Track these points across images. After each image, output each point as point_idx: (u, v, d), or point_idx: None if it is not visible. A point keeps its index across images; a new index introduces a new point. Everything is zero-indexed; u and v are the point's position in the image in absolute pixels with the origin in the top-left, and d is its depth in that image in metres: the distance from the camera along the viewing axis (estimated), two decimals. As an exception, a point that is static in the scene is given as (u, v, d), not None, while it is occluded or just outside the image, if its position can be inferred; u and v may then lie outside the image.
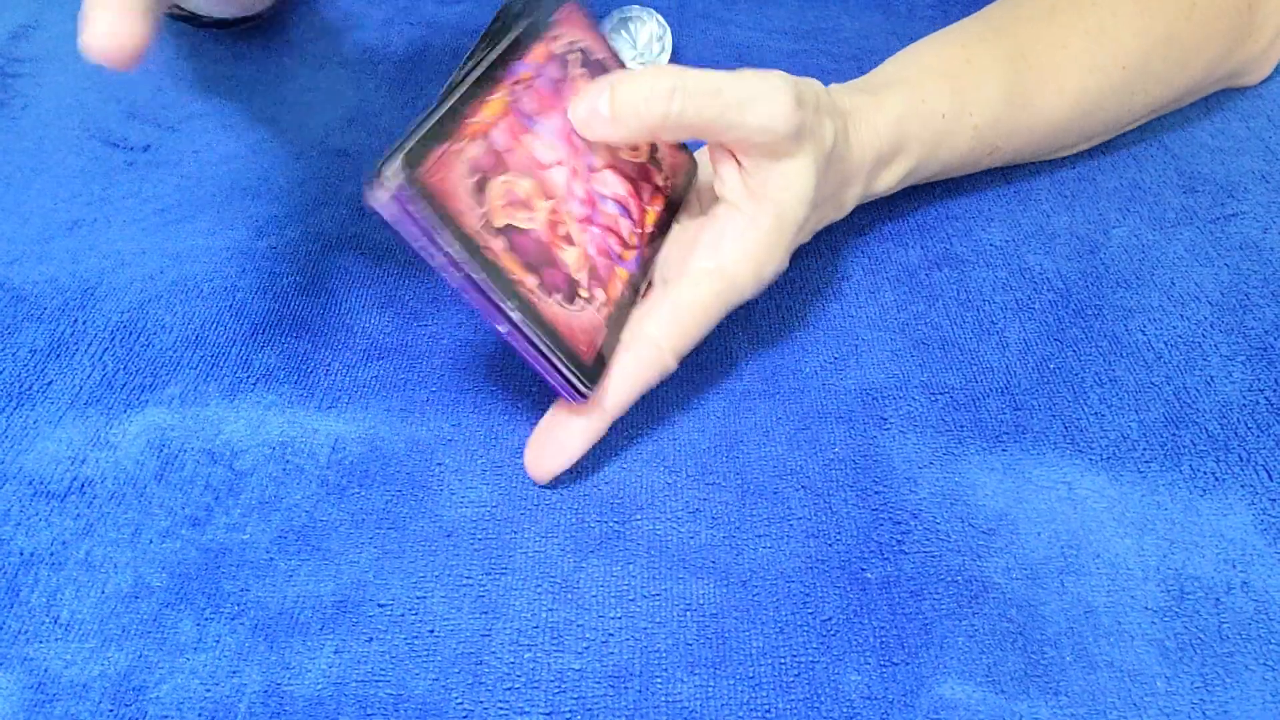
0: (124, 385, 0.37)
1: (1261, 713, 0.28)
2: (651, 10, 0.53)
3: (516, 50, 0.31)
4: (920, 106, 0.39)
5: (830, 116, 0.34)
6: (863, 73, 0.42)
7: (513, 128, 0.30)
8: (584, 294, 0.31)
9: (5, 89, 0.54)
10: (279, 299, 0.41)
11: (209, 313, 0.40)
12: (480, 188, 0.28)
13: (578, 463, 0.34)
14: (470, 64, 0.30)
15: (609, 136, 0.31)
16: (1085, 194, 0.45)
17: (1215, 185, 0.46)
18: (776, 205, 0.32)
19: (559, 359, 0.30)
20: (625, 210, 0.34)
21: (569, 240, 0.31)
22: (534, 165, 0.30)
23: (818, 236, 0.42)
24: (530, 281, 0.29)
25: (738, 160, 0.33)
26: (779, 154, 0.32)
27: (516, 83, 0.30)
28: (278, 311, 0.40)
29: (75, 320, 0.40)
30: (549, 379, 0.30)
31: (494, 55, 0.30)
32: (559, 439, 0.33)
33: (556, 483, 0.34)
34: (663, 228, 0.36)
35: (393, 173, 0.25)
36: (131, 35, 0.27)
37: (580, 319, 0.30)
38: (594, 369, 0.31)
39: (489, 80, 0.29)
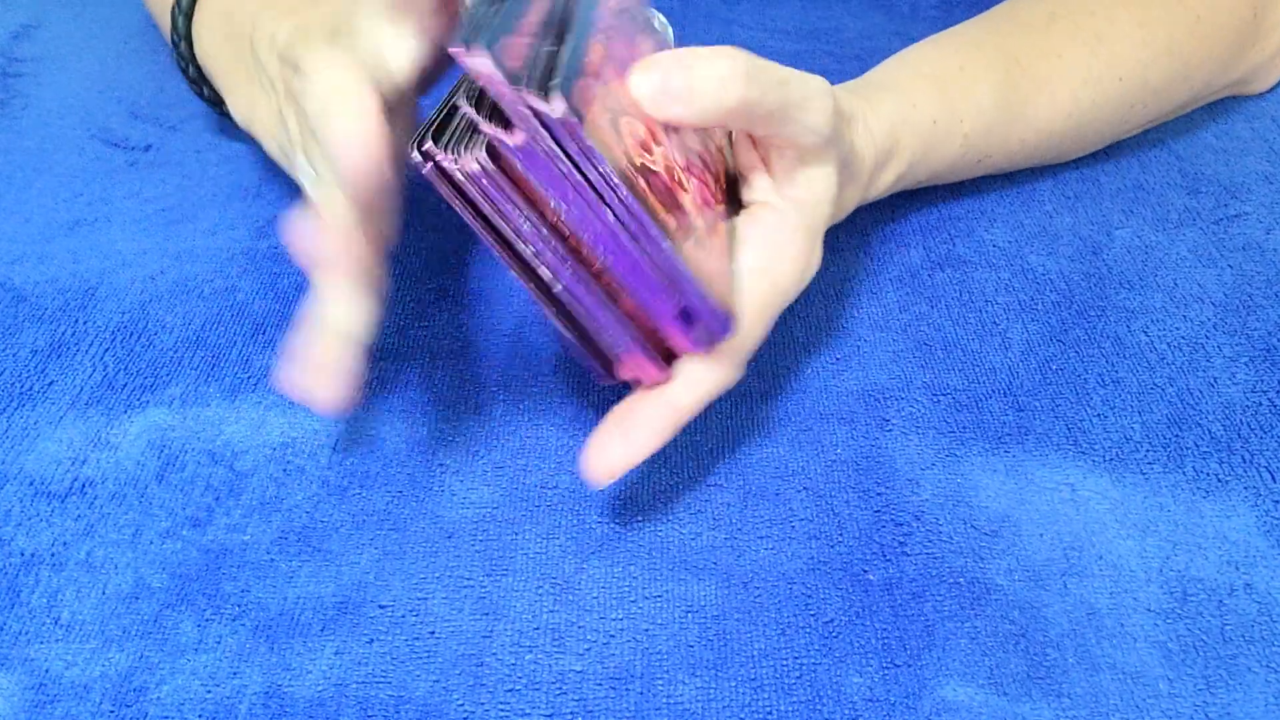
0: (125, 385, 0.37)
1: (1264, 714, 0.28)
2: (654, 10, 0.53)
3: (592, 3, 0.29)
4: (911, 112, 0.38)
5: (847, 121, 0.34)
6: (865, 73, 0.42)
7: (614, 71, 0.27)
8: (704, 240, 0.29)
9: (6, 89, 0.54)
10: (280, 299, 0.41)
11: (210, 313, 0.40)
12: (615, 126, 0.26)
13: (577, 464, 0.34)
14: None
15: (679, 116, 0.28)
16: (1088, 195, 0.45)
17: (1219, 186, 0.46)
18: (809, 207, 0.32)
19: (708, 300, 0.28)
20: (705, 164, 0.32)
21: (682, 186, 0.29)
22: (639, 110, 0.28)
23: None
24: (671, 223, 0.27)
25: (765, 163, 0.32)
26: (810, 157, 0.32)
27: (601, 30, 0.28)
28: (279, 312, 0.40)
29: (76, 320, 0.40)
30: (681, 333, 0.28)
31: (577, 5, 0.28)
32: (627, 432, 0.30)
33: (557, 483, 0.34)
34: (728, 193, 0.34)
35: (553, 94, 0.23)
36: (338, 395, 0.28)
37: (709, 263, 0.29)
38: (727, 314, 0.29)
39: (587, 24, 0.27)
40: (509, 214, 0.26)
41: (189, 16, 0.43)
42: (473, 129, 0.26)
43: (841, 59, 0.54)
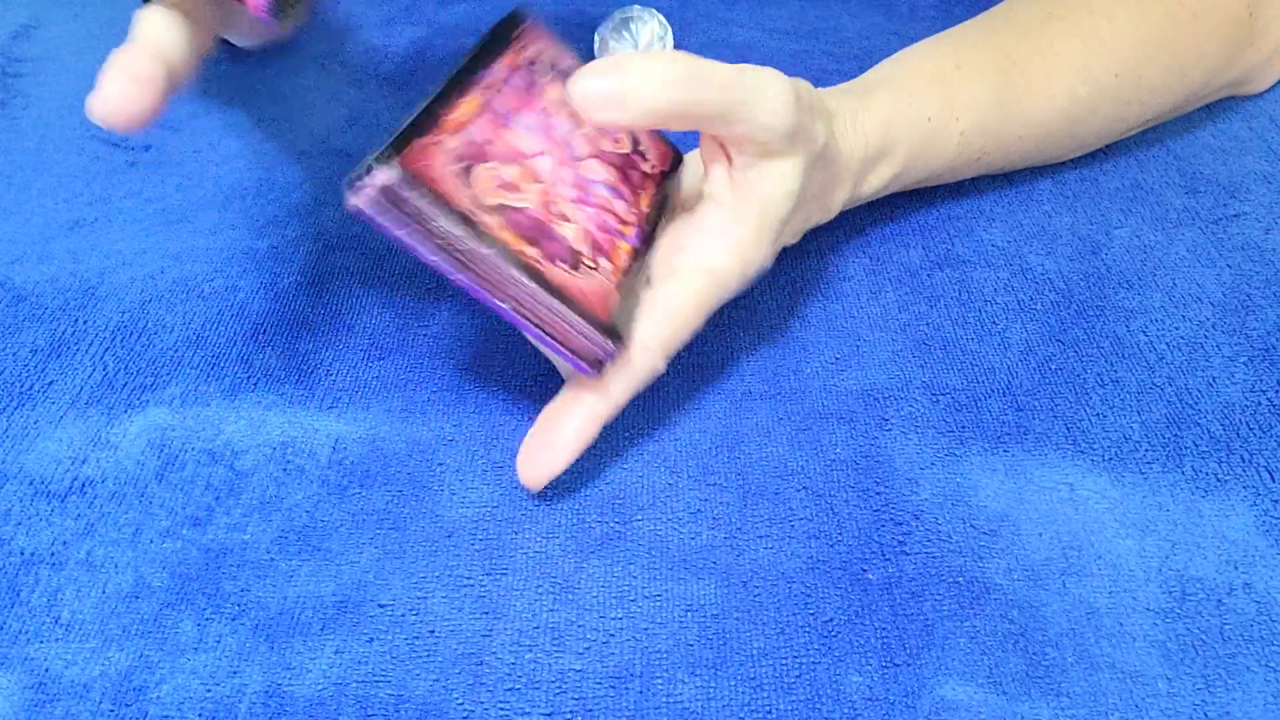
0: (125, 385, 0.37)
1: (1263, 714, 0.28)
2: (653, 10, 0.53)
3: (482, 59, 0.31)
4: (907, 110, 0.38)
5: (821, 118, 0.34)
6: (864, 72, 0.42)
7: (491, 123, 0.30)
8: (588, 262, 0.30)
9: (6, 89, 0.54)
10: (280, 299, 0.41)
11: (210, 313, 0.40)
12: (466, 174, 0.28)
13: (577, 464, 0.34)
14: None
15: (615, 120, 0.29)
16: (1087, 194, 0.45)
17: (1217, 186, 0.46)
18: (761, 202, 0.32)
19: (576, 322, 0.29)
20: (617, 192, 0.33)
21: (564, 218, 0.30)
22: (517, 155, 0.30)
23: (819, 237, 0.42)
24: (532, 252, 0.28)
25: (728, 157, 0.32)
26: (770, 152, 0.32)
27: (488, 86, 0.30)
28: (278, 311, 0.40)
29: (76, 320, 0.40)
30: (566, 350, 0.30)
31: (459, 66, 0.30)
32: (551, 441, 0.32)
33: (557, 483, 0.34)
34: (659, 209, 0.35)
35: (378, 164, 0.25)
36: (140, 108, 0.28)
37: (590, 283, 0.30)
38: (613, 328, 0.30)
39: (459, 84, 0.29)
40: (413, 241, 0.27)
41: None
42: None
43: (840, 59, 0.54)
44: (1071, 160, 0.47)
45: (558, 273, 0.29)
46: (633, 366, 0.32)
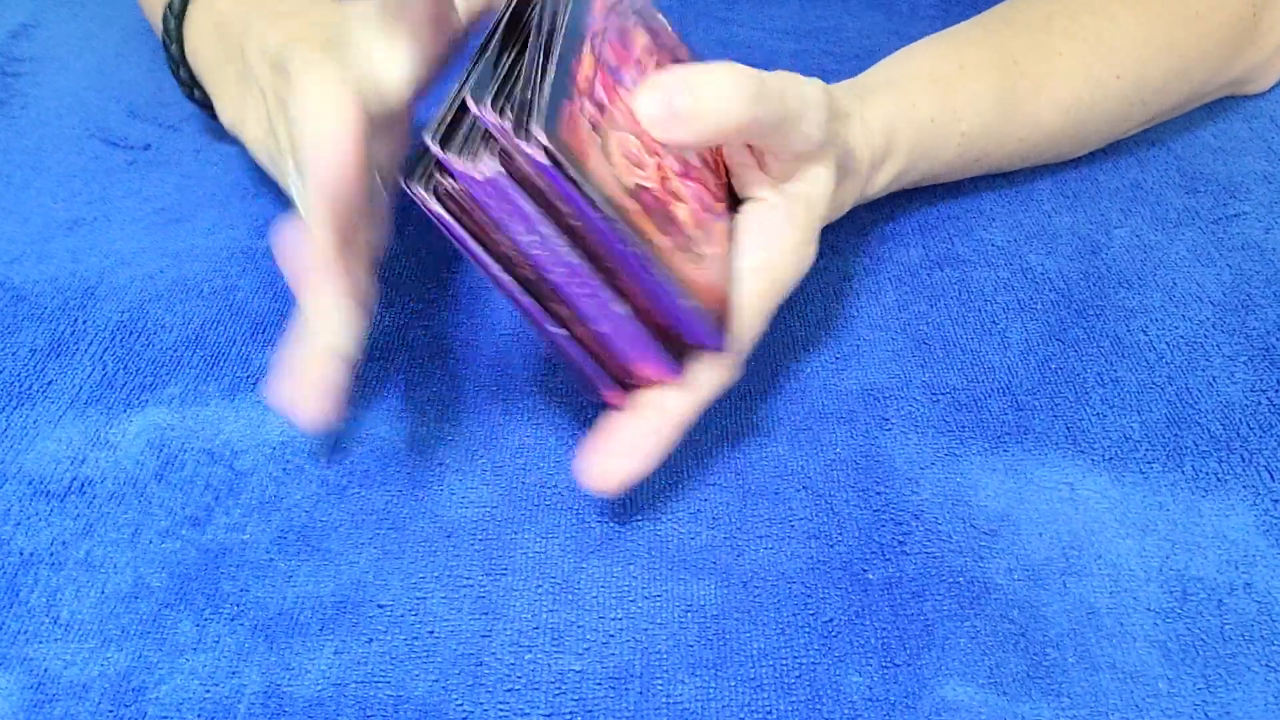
0: (124, 385, 0.37)
1: (1264, 714, 0.28)
2: (654, 9, 0.53)
3: (583, 3, 0.29)
4: (909, 110, 0.38)
5: (841, 121, 0.34)
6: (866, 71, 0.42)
7: (606, 83, 0.28)
8: (700, 252, 0.29)
9: (5, 88, 0.54)
10: (279, 299, 0.41)
11: (209, 312, 0.40)
12: (604, 148, 0.26)
13: (571, 461, 0.34)
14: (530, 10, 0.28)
15: (683, 139, 0.27)
16: (1087, 194, 0.45)
17: (1217, 185, 0.46)
18: (806, 201, 0.32)
19: (704, 319, 0.28)
20: (707, 163, 0.33)
21: (678, 196, 0.29)
22: (631, 119, 0.28)
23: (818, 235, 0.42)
24: (664, 243, 0.27)
25: (761, 163, 0.32)
26: (808, 157, 0.32)
27: (594, 35, 0.28)
28: (278, 311, 0.40)
29: (75, 320, 0.40)
30: (661, 359, 0.28)
31: (564, 8, 0.28)
32: (625, 445, 0.30)
33: (556, 483, 0.34)
34: (729, 191, 0.34)
35: (540, 133, 0.22)
36: (329, 414, 0.28)
37: (708, 277, 0.29)
38: (720, 328, 0.29)
39: (575, 35, 0.27)
40: (512, 227, 0.26)
41: (180, 18, 0.43)
42: (485, 136, 0.25)
43: (840, 58, 0.54)
44: (1072, 160, 0.47)
45: (683, 264, 0.27)
46: (708, 379, 0.31)
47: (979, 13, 0.45)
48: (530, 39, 0.27)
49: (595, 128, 0.25)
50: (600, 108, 0.26)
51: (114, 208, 0.46)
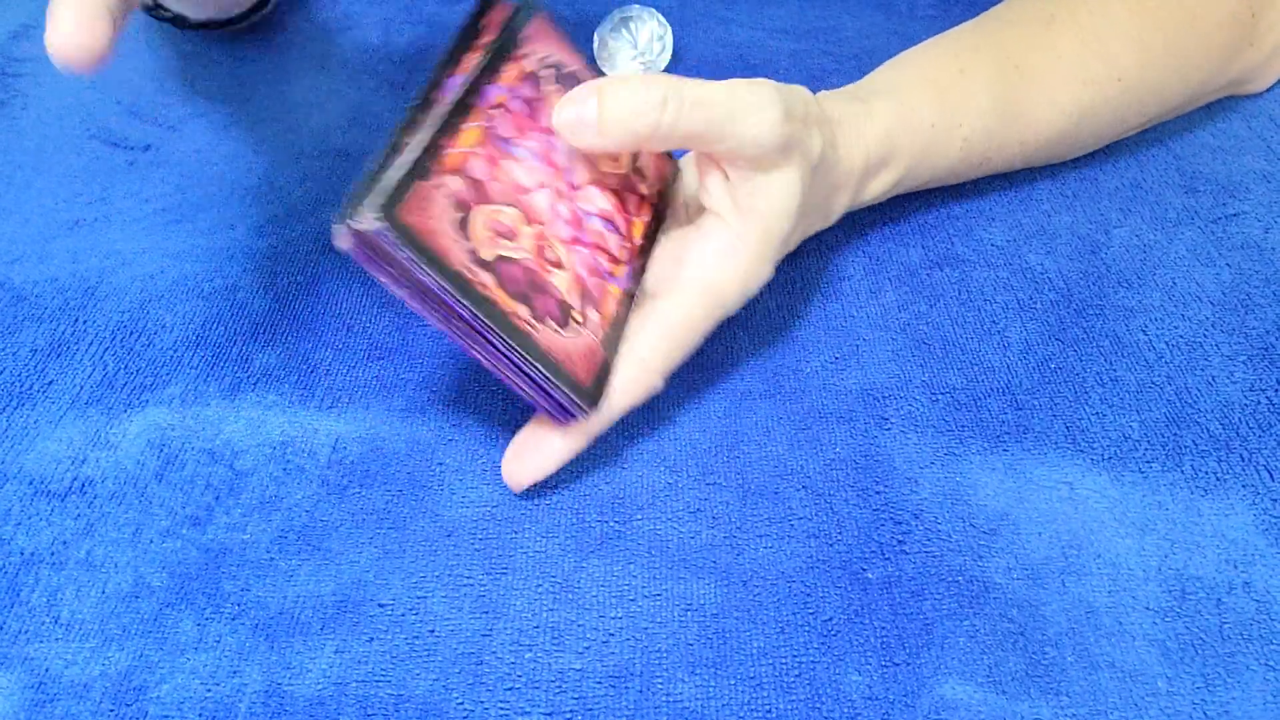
0: (124, 385, 0.37)
1: (1263, 713, 0.28)
2: (652, 10, 0.53)
3: (488, 74, 0.30)
4: (909, 116, 0.38)
5: (819, 127, 0.34)
6: (864, 72, 0.42)
7: (491, 155, 0.29)
8: (577, 318, 0.31)
9: (5, 89, 0.54)
10: (279, 299, 0.41)
11: (209, 312, 0.40)
12: (464, 223, 0.27)
13: (576, 464, 0.34)
14: (431, 83, 0.30)
15: (595, 145, 0.30)
16: (1086, 194, 0.45)
17: (1217, 185, 0.46)
18: (763, 219, 0.32)
19: (557, 387, 0.29)
20: (612, 225, 0.33)
21: (558, 264, 0.30)
22: (515, 191, 0.30)
23: (818, 236, 0.42)
24: (523, 312, 0.29)
25: (723, 171, 0.32)
26: (766, 166, 0.31)
27: (492, 108, 0.30)
28: (278, 311, 0.40)
29: (76, 320, 0.40)
30: (544, 406, 0.30)
31: (466, 83, 0.30)
32: (539, 451, 0.32)
33: (556, 483, 0.34)
34: (651, 237, 0.35)
35: (370, 212, 0.25)
36: (94, 37, 0.27)
37: (576, 344, 0.30)
38: (593, 391, 0.31)
39: (463, 108, 0.29)
40: (396, 287, 0.27)
41: None
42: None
43: (839, 58, 0.54)
44: (1071, 160, 0.47)
45: (546, 334, 0.29)
46: (630, 384, 0.32)
47: (977, 12, 0.45)
48: (406, 112, 0.29)
49: (460, 204, 0.27)
50: (475, 183, 0.28)
51: (114, 208, 0.46)
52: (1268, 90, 0.50)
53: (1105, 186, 0.46)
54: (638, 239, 0.34)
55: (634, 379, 0.32)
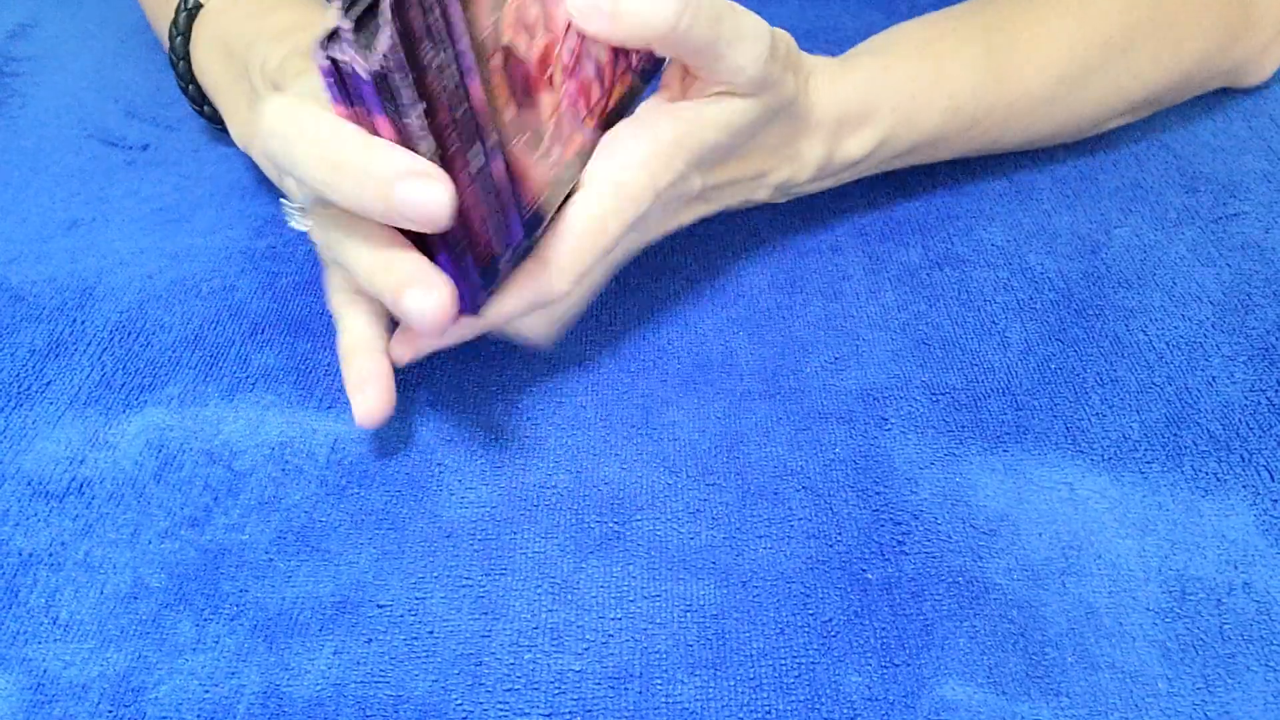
0: (123, 385, 0.37)
1: (1263, 714, 0.28)
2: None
3: None
4: (890, 73, 0.39)
5: (794, 71, 0.34)
6: None
7: None
8: (544, 145, 0.29)
9: (4, 88, 0.54)
10: (278, 299, 0.41)
11: (208, 312, 0.40)
12: None
13: (576, 464, 0.34)
14: None
15: (604, 34, 0.28)
16: (1086, 194, 0.45)
17: (1217, 185, 0.46)
18: (687, 120, 0.31)
19: (504, 209, 0.27)
20: (600, 77, 0.32)
21: (551, 83, 0.29)
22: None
23: (817, 235, 0.42)
24: (509, 113, 0.27)
25: (682, 93, 0.32)
26: (732, 95, 0.31)
27: None
28: (277, 311, 0.40)
29: (74, 320, 0.40)
30: (483, 227, 0.28)
31: None
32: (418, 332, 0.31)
33: (556, 483, 0.34)
34: (621, 112, 0.34)
35: None
36: (390, 405, 0.33)
37: (537, 169, 0.29)
38: (531, 222, 0.29)
39: None
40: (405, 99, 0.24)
41: (186, 36, 0.43)
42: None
43: (840, 58, 0.54)
44: (1070, 158, 0.47)
45: (518, 146, 0.27)
46: (529, 281, 0.30)
47: None
48: None
49: None
50: None
51: (112, 208, 0.45)
52: (1268, 89, 0.50)
53: (1105, 186, 0.46)
54: (611, 102, 0.33)
55: (531, 273, 0.30)
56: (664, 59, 0.36)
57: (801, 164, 0.38)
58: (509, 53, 0.27)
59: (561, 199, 0.30)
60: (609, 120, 0.33)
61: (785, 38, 0.34)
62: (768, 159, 0.37)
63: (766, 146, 0.36)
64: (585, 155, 0.32)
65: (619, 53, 0.33)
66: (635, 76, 0.34)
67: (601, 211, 0.30)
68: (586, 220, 0.30)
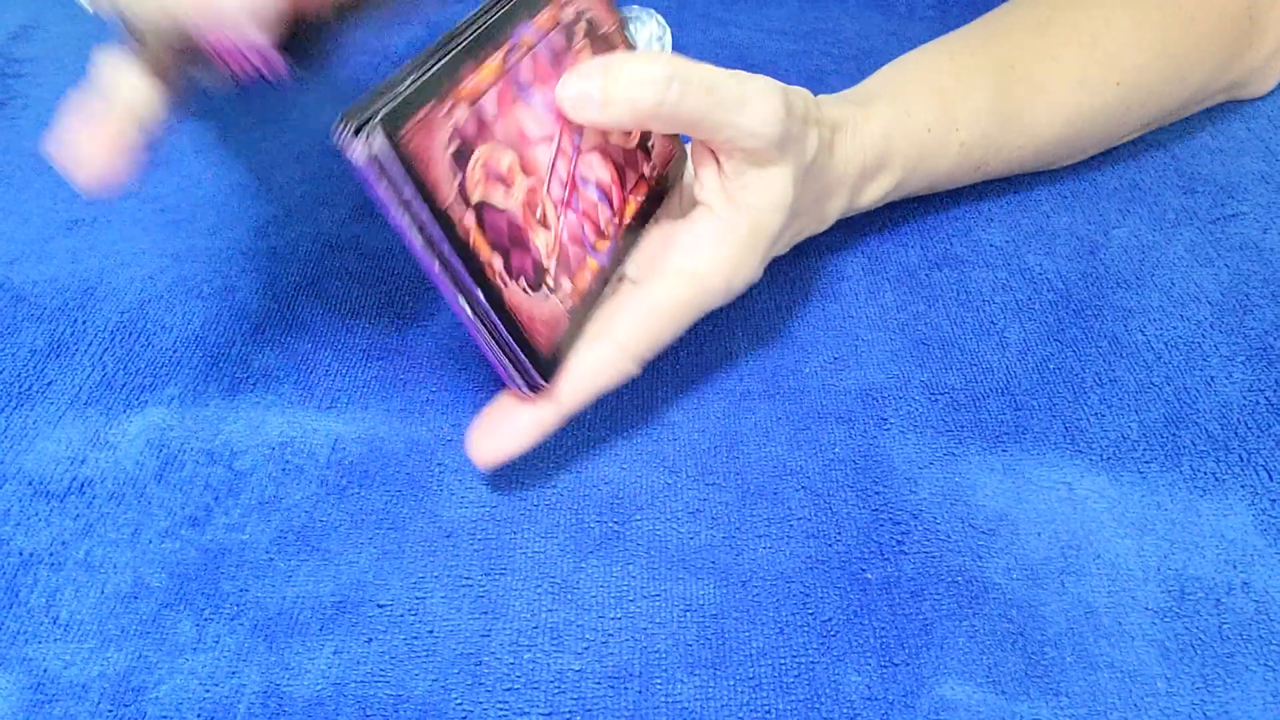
0: (124, 385, 0.37)
1: (1262, 713, 0.28)
2: (651, 10, 0.53)
3: (525, 11, 0.30)
4: (906, 122, 0.38)
5: (816, 127, 0.33)
6: (863, 73, 0.42)
7: (504, 95, 0.28)
8: (550, 282, 0.30)
9: (5, 89, 0.54)
10: (279, 299, 0.41)
11: (209, 313, 0.40)
12: (461, 156, 0.27)
13: (576, 464, 0.34)
14: (478, 14, 0.29)
15: (597, 121, 0.29)
16: (1085, 194, 0.45)
17: (1215, 186, 0.46)
18: (754, 213, 0.32)
19: (516, 349, 0.28)
20: (606, 197, 0.33)
21: (544, 223, 0.30)
22: (520, 138, 0.29)
23: (816, 236, 0.42)
24: (497, 264, 0.28)
25: (718, 162, 0.32)
26: (761, 160, 0.31)
27: (516, 48, 0.29)
28: (278, 312, 0.40)
29: (75, 320, 0.40)
30: (501, 368, 0.29)
31: (500, 12, 0.29)
32: (506, 427, 0.31)
33: (556, 482, 0.34)
34: (642, 219, 0.35)
35: (372, 132, 0.24)
36: (115, 176, 0.28)
37: (543, 309, 0.29)
38: (550, 362, 0.30)
39: (489, 40, 0.28)
40: (390, 206, 0.26)
41: None
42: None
43: (838, 59, 0.54)
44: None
45: (516, 292, 0.28)
46: (606, 367, 0.31)
47: (976, 13, 0.45)
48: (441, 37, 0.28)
49: (463, 138, 0.27)
50: (482, 120, 0.27)
51: (113, 208, 0.46)
52: (1267, 94, 0.50)
53: (1104, 187, 0.46)
54: (628, 218, 0.34)
55: (610, 361, 0.31)
56: (679, 165, 0.37)
57: (825, 219, 0.38)
58: (487, 207, 0.28)
59: (583, 323, 0.32)
60: (632, 230, 0.34)
61: (803, 94, 0.33)
62: (803, 222, 0.37)
63: (800, 208, 0.35)
64: (607, 274, 0.33)
65: (625, 169, 0.34)
66: (648, 188, 0.35)
67: (679, 303, 0.32)
68: (664, 310, 0.32)
